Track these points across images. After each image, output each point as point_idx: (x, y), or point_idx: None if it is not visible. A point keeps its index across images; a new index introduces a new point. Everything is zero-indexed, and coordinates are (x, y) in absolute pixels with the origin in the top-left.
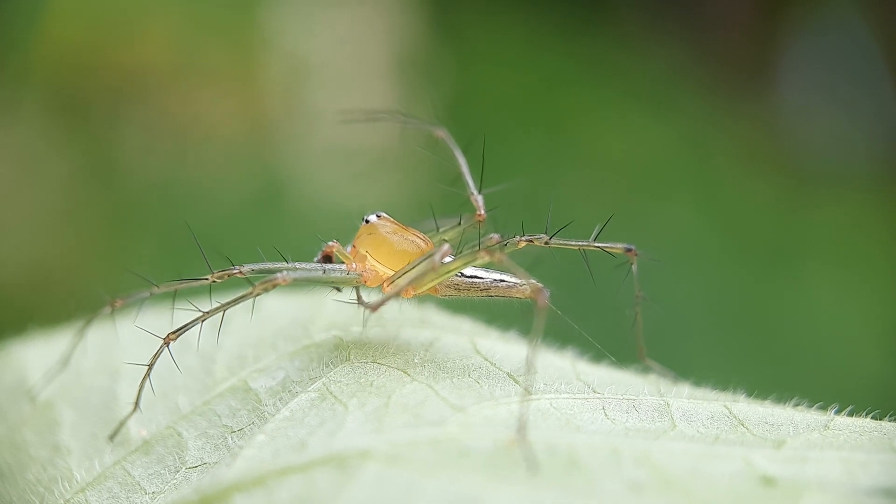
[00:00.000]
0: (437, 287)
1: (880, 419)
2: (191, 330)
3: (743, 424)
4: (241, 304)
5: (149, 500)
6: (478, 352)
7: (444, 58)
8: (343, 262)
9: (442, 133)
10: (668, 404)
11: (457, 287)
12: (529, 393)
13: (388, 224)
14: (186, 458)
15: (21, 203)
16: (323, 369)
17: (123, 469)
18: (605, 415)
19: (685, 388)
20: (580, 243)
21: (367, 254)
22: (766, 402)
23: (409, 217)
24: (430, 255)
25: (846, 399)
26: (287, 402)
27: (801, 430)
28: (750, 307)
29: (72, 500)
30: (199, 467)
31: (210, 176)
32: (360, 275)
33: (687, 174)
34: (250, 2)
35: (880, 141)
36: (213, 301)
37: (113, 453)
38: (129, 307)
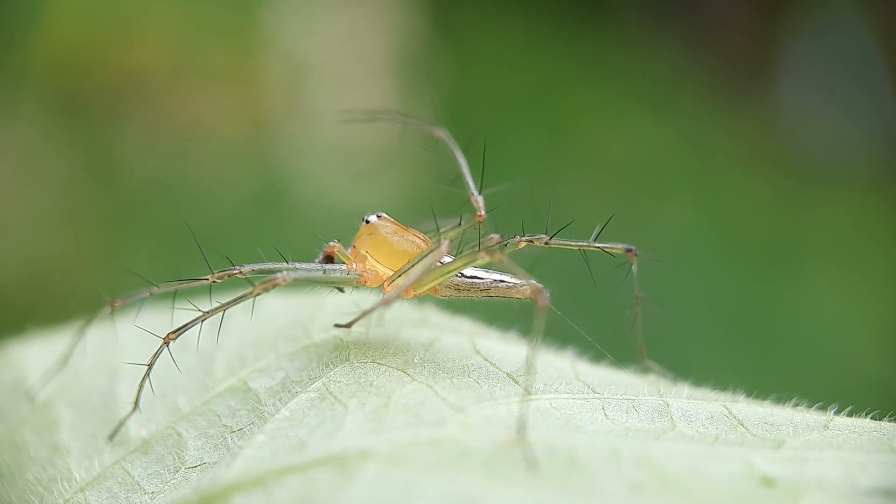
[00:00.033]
0: (437, 287)
1: (880, 419)
2: (190, 330)
3: (742, 425)
4: (240, 304)
5: (148, 500)
6: (478, 352)
7: (444, 58)
8: (344, 263)
9: (442, 133)
10: (667, 404)
11: (457, 287)
12: (529, 393)
13: (389, 224)
14: (186, 458)
15: (21, 203)
16: (322, 369)
17: (123, 469)
18: (605, 415)
19: (685, 389)
20: (580, 244)
21: (368, 254)
22: (766, 403)
23: (410, 217)
24: (432, 251)
25: (846, 399)
26: (287, 402)
27: (801, 431)
28: (750, 307)
29: (71, 500)
30: (198, 467)
31: (210, 176)
32: (361, 275)
33: (687, 174)
34: (250, 2)
35: (880, 141)
36: (212, 301)
37: (112, 453)
38: (129, 307)
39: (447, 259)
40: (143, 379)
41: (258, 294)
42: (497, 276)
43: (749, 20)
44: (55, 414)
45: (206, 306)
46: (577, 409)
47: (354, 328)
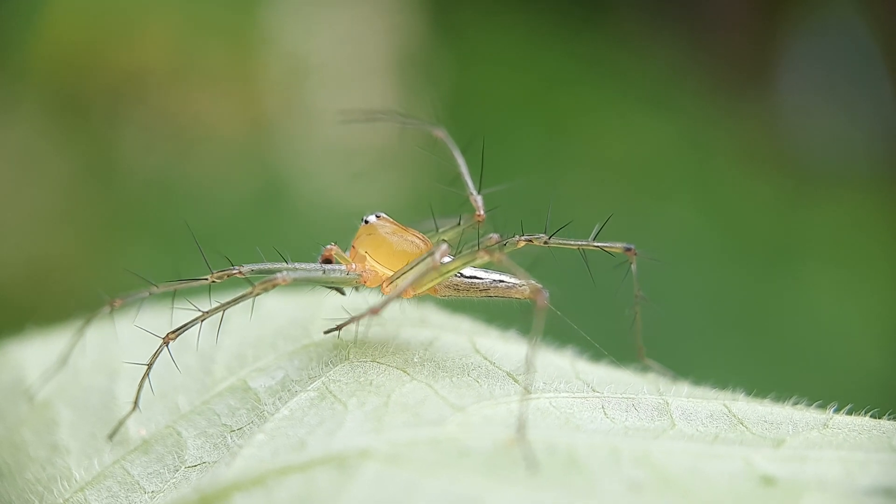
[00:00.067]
0: (437, 287)
1: (879, 418)
2: (190, 329)
3: (742, 423)
4: (240, 304)
5: (148, 500)
6: (477, 351)
7: (444, 58)
8: (343, 264)
9: (441, 133)
10: (667, 403)
11: (456, 287)
12: (529, 392)
13: (388, 224)
14: (186, 458)
15: (20, 203)
16: (322, 368)
17: (123, 468)
18: (605, 414)
19: (684, 387)
20: (579, 243)
21: (367, 254)
22: (765, 401)
23: (409, 217)
24: (429, 255)
25: (845, 398)
26: (286, 402)
27: (801, 429)
28: (750, 306)
29: (71, 500)
30: (198, 466)
31: (210, 176)
32: (360, 275)
33: (687, 174)
34: (250, 1)
35: (880, 141)
36: (212, 301)
37: (112, 452)
38: (129, 307)
39: (446, 259)
40: (143, 378)
41: (258, 294)
42: (496, 276)
43: (749, 20)
44: (55, 413)
45: (206, 306)
46: (576, 408)
47: (353, 326)
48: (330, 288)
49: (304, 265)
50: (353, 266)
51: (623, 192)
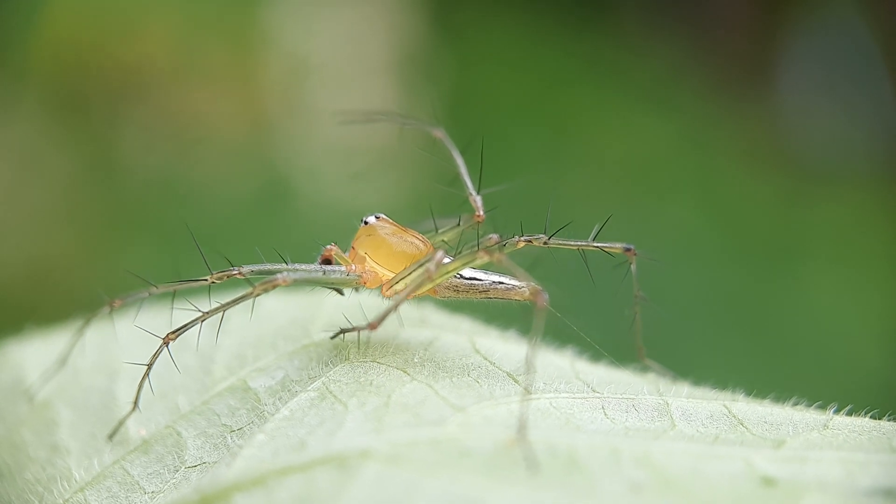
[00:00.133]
0: (436, 288)
1: (879, 419)
2: (190, 330)
3: (742, 424)
4: (240, 304)
5: (148, 500)
6: (477, 351)
7: (444, 57)
8: (342, 264)
9: (440, 133)
10: (667, 404)
11: (456, 289)
12: (529, 392)
13: (387, 225)
14: (186, 458)
15: (21, 202)
16: (322, 368)
17: (122, 468)
18: (605, 414)
19: (684, 388)
20: (579, 243)
21: (367, 255)
22: (765, 402)
23: (409, 217)
24: (424, 263)
25: (845, 398)
26: (286, 402)
27: (801, 430)
28: (749, 307)
29: (71, 500)
30: (198, 467)
31: (210, 175)
32: (360, 276)
33: (687, 173)
34: (251, 1)
35: (880, 140)
36: (212, 301)
37: (112, 453)
38: (128, 307)
39: (446, 260)
40: (143, 379)
41: (258, 295)
42: (496, 278)
43: (749, 20)
44: (54, 413)
45: (206, 306)
46: (576, 409)
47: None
48: (329, 288)
49: (304, 266)
50: (353, 267)
51: (623, 192)
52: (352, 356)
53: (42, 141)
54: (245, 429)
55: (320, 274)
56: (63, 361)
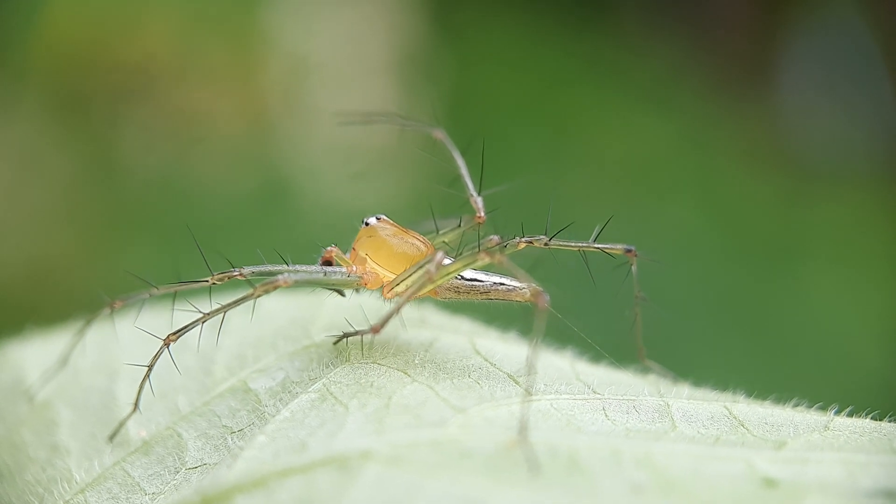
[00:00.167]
0: (437, 290)
1: (880, 420)
2: (190, 331)
3: (743, 425)
4: (241, 305)
5: (148, 501)
6: (477, 352)
7: (444, 58)
8: (343, 266)
9: (440, 134)
10: (668, 405)
11: (456, 290)
12: (530, 394)
13: (388, 226)
14: (186, 459)
15: (21, 202)
16: (323, 370)
17: (123, 470)
18: (606, 416)
19: (685, 389)
20: (580, 244)
21: (367, 256)
22: (766, 403)
23: (409, 218)
24: (425, 265)
25: (845, 399)
26: (287, 403)
27: (802, 431)
28: (750, 307)
29: (71, 501)
30: (199, 468)
31: (210, 175)
32: (361, 277)
33: (687, 174)
34: (251, 1)
35: (880, 140)
36: (213, 302)
37: (112, 454)
38: (129, 308)
39: (447, 261)
40: (144, 380)
41: (259, 296)
42: (497, 279)
43: (749, 20)
44: (55, 414)
45: (206, 307)
46: (577, 410)
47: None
48: (330, 290)
49: (304, 267)
50: (354, 268)
51: (623, 192)
52: (352, 357)
53: (42, 141)
54: (246, 430)
55: (321, 275)
56: (63, 362)
